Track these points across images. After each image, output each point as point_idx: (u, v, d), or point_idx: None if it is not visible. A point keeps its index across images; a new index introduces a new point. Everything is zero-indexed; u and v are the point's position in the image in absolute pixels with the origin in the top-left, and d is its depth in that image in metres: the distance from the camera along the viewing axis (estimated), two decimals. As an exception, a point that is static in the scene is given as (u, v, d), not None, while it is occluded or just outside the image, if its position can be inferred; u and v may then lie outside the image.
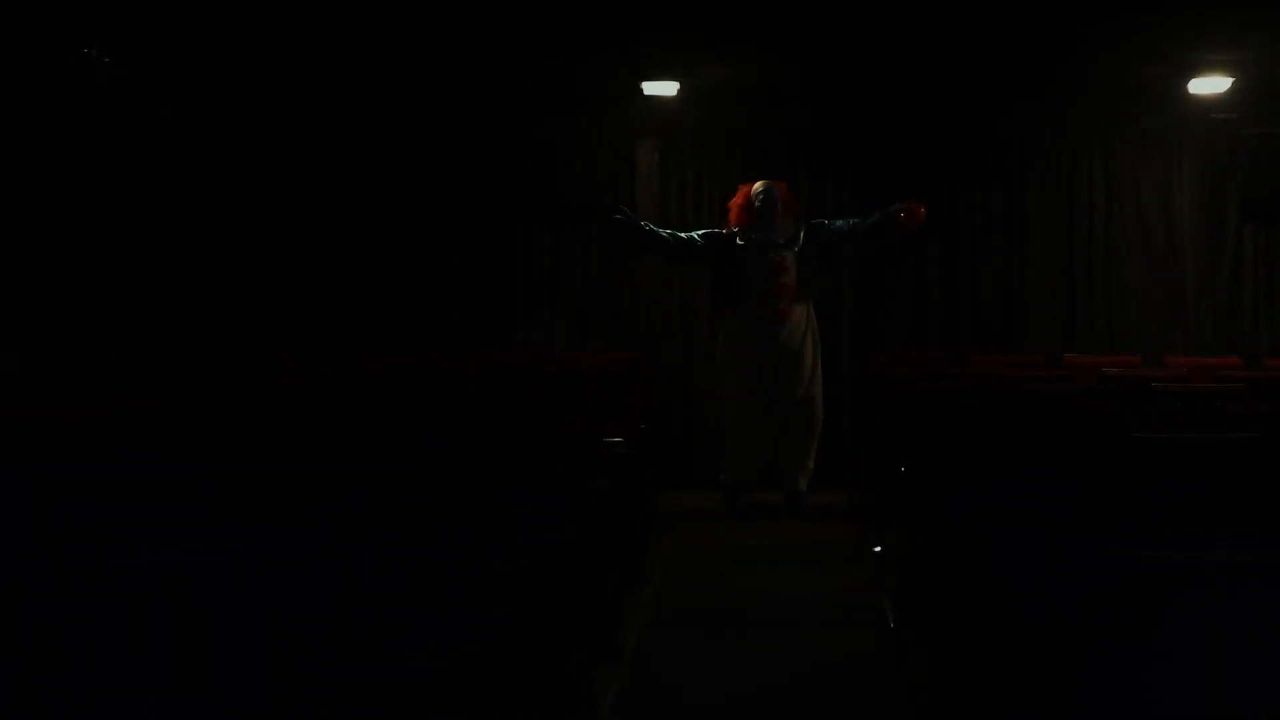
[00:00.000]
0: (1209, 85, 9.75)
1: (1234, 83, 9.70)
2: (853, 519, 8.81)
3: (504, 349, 10.23)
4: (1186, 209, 10.56)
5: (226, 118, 10.31)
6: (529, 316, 10.70)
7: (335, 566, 3.62)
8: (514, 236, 10.73)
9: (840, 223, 9.12)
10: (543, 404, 6.61)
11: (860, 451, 8.98)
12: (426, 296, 10.66)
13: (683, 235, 9.12)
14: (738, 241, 8.91)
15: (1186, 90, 9.88)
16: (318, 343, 10.19)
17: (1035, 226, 10.61)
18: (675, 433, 10.30)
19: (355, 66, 9.90)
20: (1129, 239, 10.57)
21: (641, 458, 7.74)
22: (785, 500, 9.03)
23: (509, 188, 10.61)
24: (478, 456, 5.44)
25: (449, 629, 4.24)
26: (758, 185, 9.00)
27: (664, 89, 9.99)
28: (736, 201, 9.07)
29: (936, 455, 6.03)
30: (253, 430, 6.02)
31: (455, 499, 4.62)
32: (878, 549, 7.09)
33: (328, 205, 10.66)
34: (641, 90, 10.03)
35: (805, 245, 8.93)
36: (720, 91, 10.31)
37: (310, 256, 10.65)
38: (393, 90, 10.36)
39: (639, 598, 6.73)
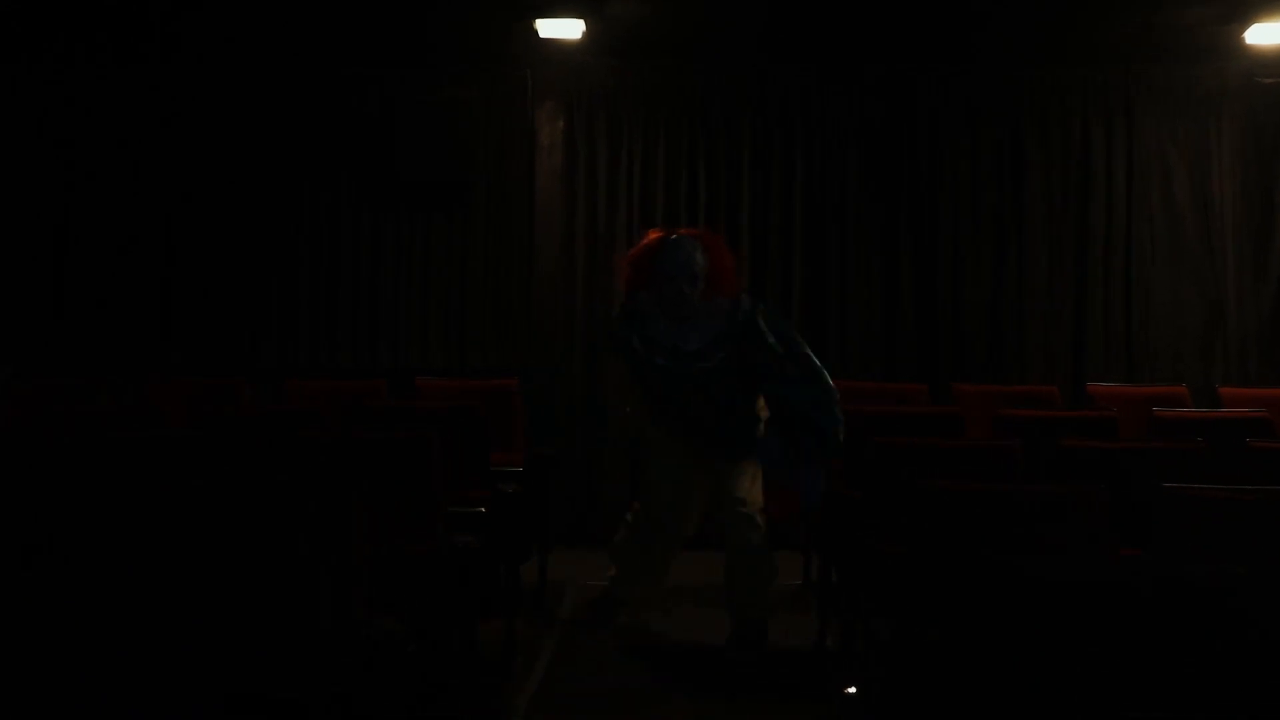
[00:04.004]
0: (1273, 33, 7.51)
1: (1309, 28, 7.49)
2: (808, 601, 6.53)
3: (354, 372, 7.89)
4: (1227, 195, 8.38)
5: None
6: (385, 330, 8.36)
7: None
8: (364, 229, 8.37)
9: (772, 342, 5.22)
10: (339, 469, 4.24)
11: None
12: (238, 306, 8.30)
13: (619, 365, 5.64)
14: (633, 345, 5.34)
15: (1241, 41, 7.66)
16: (92, 359, 7.82)
17: (1037, 218, 8.41)
18: (574, 474, 7.99)
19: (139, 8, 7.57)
20: (1155, 233, 8.38)
21: (501, 535, 5.41)
22: (736, 638, 5.57)
23: (352, 166, 8.28)
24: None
25: None
26: (673, 237, 5.25)
27: (564, 30, 7.68)
28: (631, 256, 5.44)
29: (941, 563, 3.75)
30: None
31: None
32: (851, 689, 4.80)
33: (105, 191, 8.29)
34: (536, 32, 7.70)
35: (732, 348, 5.22)
36: (641, 38, 8.08)
37: (89, 253, 8.29)
38: (193, 38, 8.09)
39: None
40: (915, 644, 4.05)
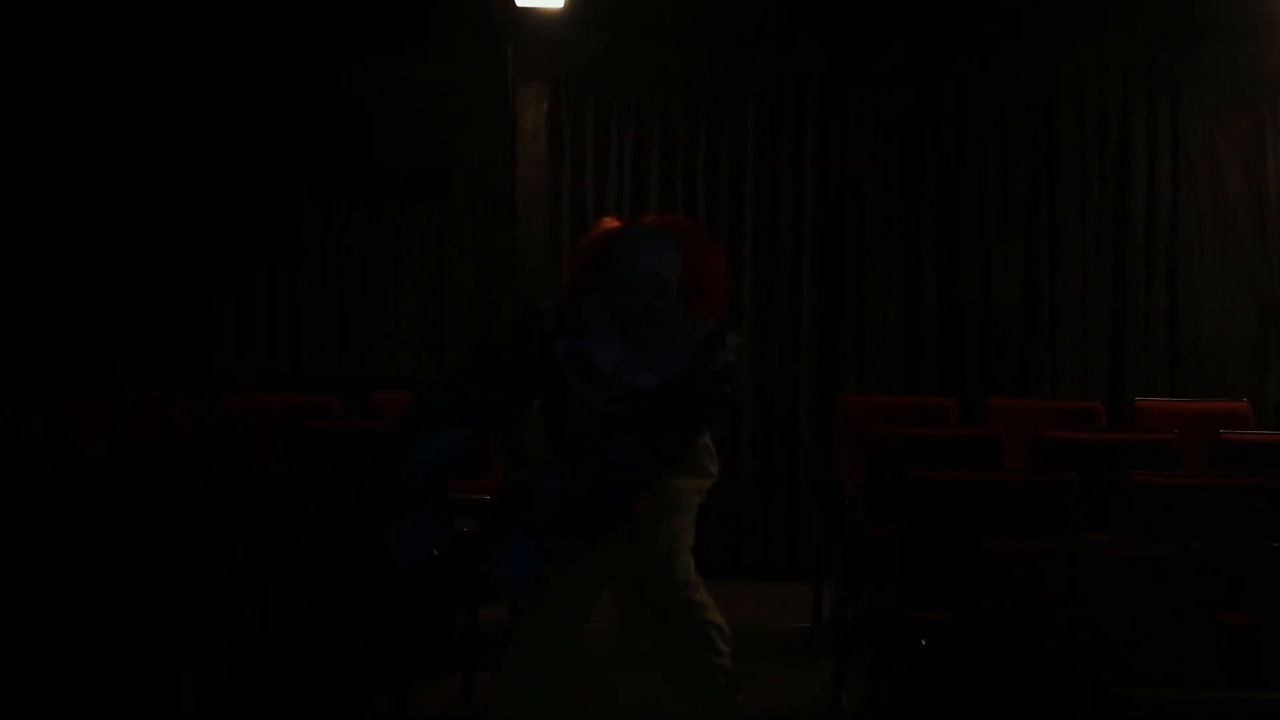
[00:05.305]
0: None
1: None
2: (819, 647, 5.74)
3: (318, 381, 7.14)
4: (1282, 187, 7.60)
5: None
6: (354, 335, 7.60)
7: None
8: (329, 224, 7.59)
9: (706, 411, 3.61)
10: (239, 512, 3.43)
11: (825, 546, 5.91)
12: (191, 308, 7.50)
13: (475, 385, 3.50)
14: (560, 357, 3.50)
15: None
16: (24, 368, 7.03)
17: (1072, 215, 7.61)
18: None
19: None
20: (1203, 231, 7.59)
21: (457, 578, 4.63)
22: None
23: (314, 155, 7.47)
24: None
25: None
26: (635, 228, 3.59)
27: (544, -2, 6.90)
28: (578, 251, 3.74)
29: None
30: None
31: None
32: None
33: (41, 183, 7.46)
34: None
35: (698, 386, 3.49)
36: (633, 8, 7.42)
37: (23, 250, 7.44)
38: (141, 19, 7.33)
39: None
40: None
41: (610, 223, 3.68)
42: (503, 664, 3.59)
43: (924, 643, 3.50)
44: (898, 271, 7.55)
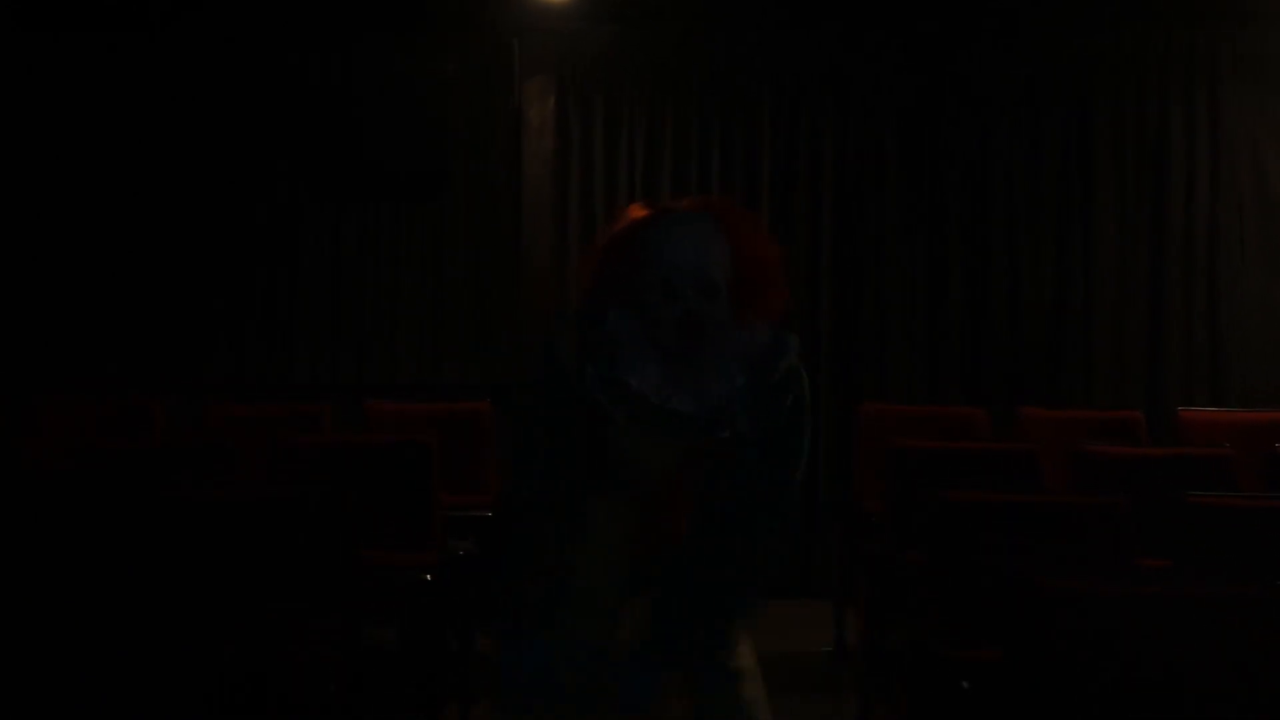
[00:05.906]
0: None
1: None
2: (841, 678, 5.37)
3: (312, 388, 6.85)
4: (1328, 183, 7.24)
5: None
6: (348, 341, 7.28)
7: None
8: (325, 225, 7.29)
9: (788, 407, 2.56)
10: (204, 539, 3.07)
11: (846, 566, 5.57)
12: (181, 312, 7.20)
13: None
14: (598, 402, 2.52)
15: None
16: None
17: (1106, 210, 7.26)
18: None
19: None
20: (1244, 225, 7.21)
21: (452, 602, 4.29)
22: None
23: (310, 152, 7.16)
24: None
25: None
26: (670, 214, 2.62)
27: (551, -11, 6.59)
28: (600, 245, 2.71)
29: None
30: None
31: None
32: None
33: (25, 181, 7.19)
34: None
35: (756, 417, 2.55)
36: (642, 3, 7.03)
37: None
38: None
39: None
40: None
41: (638, 211, 2.74)
42: None
43: (965, 685, 3.12)
44: (920, 273, 7.23)
